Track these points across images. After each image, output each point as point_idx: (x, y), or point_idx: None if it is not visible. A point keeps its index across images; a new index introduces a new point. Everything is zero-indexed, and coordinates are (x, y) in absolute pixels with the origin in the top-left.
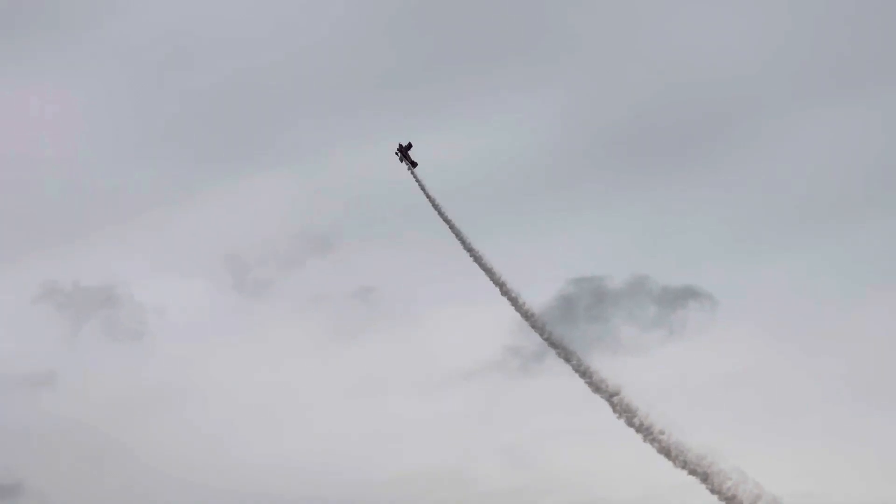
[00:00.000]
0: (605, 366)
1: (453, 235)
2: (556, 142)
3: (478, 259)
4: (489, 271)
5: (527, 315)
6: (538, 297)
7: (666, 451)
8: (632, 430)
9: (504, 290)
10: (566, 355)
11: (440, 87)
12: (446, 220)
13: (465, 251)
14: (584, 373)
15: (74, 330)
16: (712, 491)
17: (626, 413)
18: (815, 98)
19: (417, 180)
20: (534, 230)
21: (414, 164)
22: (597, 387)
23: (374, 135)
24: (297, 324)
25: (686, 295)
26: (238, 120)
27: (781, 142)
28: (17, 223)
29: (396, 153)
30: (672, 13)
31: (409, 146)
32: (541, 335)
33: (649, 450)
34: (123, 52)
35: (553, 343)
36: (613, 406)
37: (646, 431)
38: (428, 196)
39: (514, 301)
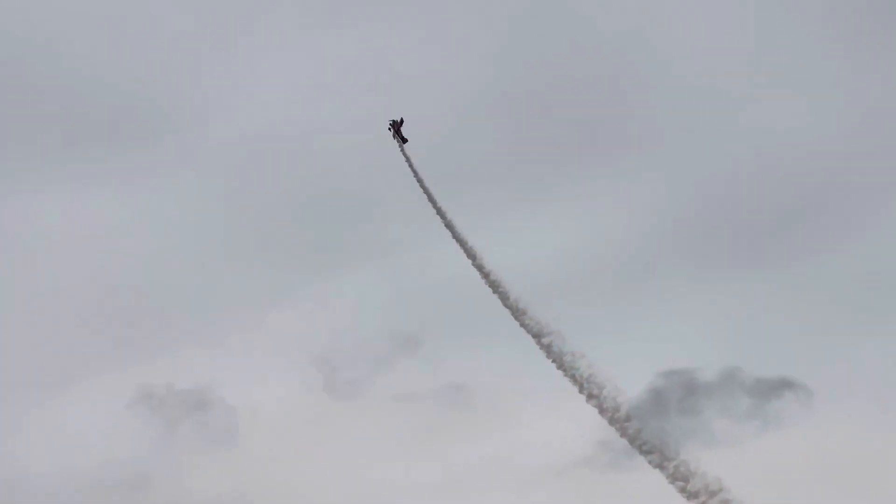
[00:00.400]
0: (698, 459)
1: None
2: (644, 231)
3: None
4: (546, 348)
5: (612, 420)
6: (628, 391)
7: None
8: None
9: (582, 389)
10: (659, 459)
11: (525, 180)
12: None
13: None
14: (676, 472)
15: (168, 433)
16: None
17: None
18: None
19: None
20: (622, 322)
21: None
22: (685, 480)
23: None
24: (387, 423)
25: (780, 385)
26: (325, 219)
27: (875, 227)
28: (112, 327)
29: (389, 129)
30: (757, 102)
31: (402, 121)
32: (623, 435)
33: None
34: (210, 155)
35: (639, 444)
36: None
37: None
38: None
39: (596, 400)
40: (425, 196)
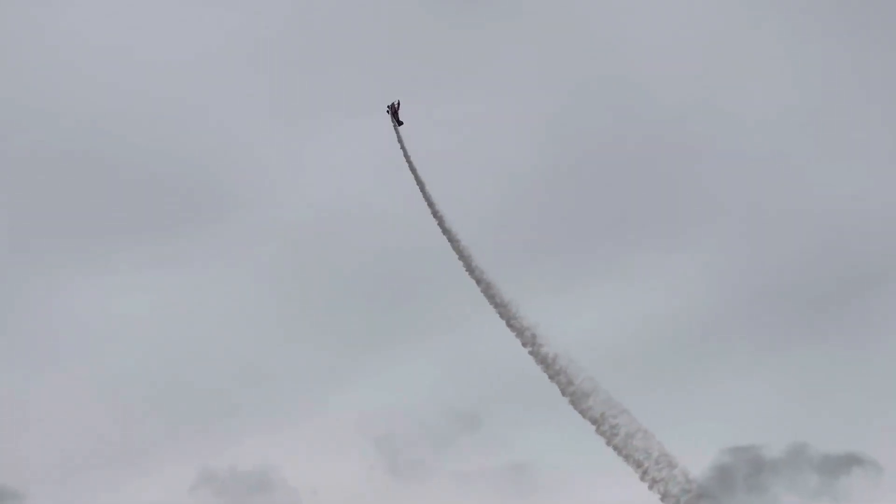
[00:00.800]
0: None
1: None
2: (704, 304)
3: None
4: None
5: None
6: (693, 469)
7: None
8: None
9: (646, 475)
10: None
11: (581, 254)
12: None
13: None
14: None
15: None
16: None
17: None
18: None
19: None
20: (685, 397)
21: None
22: None
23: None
24: (449, 503)
25: (849, 462)
26: (383, 297)
27: None
28: (176, 409)
29: (387, 111)
30: (820, 171)
31: (399, 104)
32: None
33: None
34: (264, 237)
35: None
36: None
37: None
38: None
39: (661, 485)
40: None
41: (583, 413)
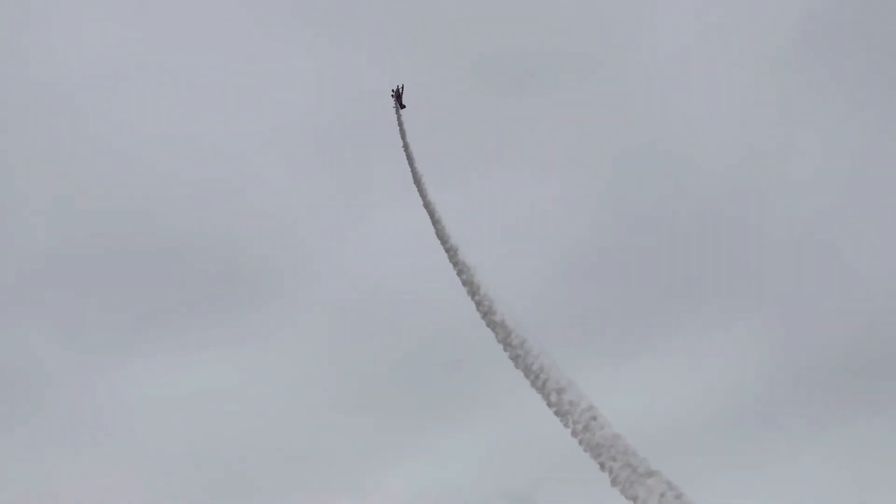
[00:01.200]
0: None
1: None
2: (756, 378)
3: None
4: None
5: None
6: None
7: None
8: None
9: None
10: None
11: (634, 330)
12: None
13: None
14: None
15: None
16: None
17: None
18: None
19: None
20: (743, 471)
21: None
22: None
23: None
24: None
25: None
26: (431, 377)
27: None
28: (223, 487)
29: (391, 95)
30: (868, 245)
31: (403, 88)
32: None
33: None
34: (312, 317)
35: None
36: None
37: None
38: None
39: None
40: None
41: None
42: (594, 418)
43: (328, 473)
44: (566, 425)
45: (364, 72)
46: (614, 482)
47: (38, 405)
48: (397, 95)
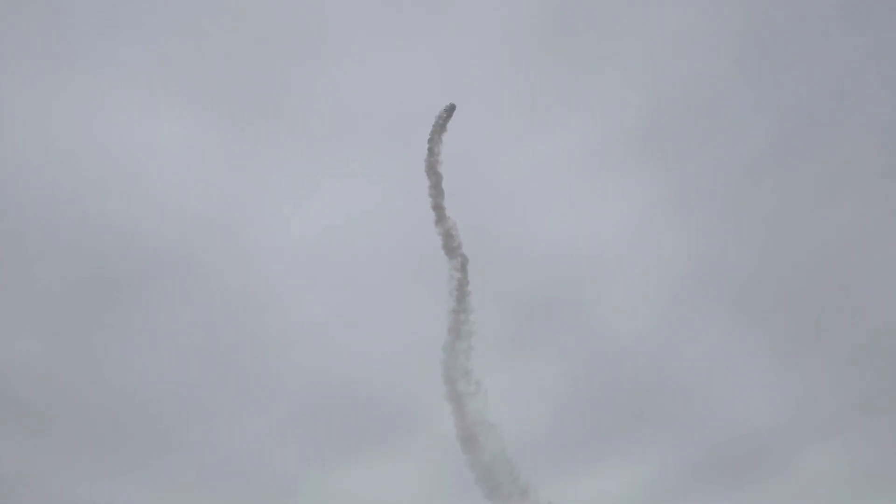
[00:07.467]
0: None
1: None
2: None
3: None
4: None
5: None
6: None
7: None
8: None
9: None
10: None
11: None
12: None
13: None
14: None
15: None
16: None
17: None
18: None
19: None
20: None
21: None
22: None
23: None
24: None
25: None
26: None
27: None
28: None
29: (445, 111)
30: None
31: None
32: None
33: None
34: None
35: None
36: None
37: None
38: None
39: None
40: None
41: None
42: None
43: None
44: None
45: None
46: None
47: None
48: (448, 114)
